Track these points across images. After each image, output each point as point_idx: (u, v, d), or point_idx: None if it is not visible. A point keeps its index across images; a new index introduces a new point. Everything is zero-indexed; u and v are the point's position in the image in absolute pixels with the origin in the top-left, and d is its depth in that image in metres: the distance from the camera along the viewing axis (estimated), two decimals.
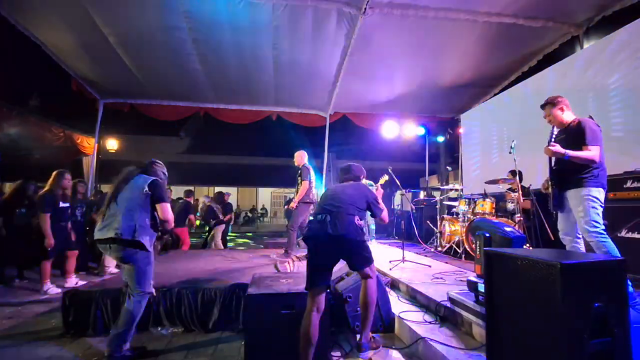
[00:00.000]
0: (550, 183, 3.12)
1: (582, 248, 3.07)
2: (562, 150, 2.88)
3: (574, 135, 2.98)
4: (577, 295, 1.58)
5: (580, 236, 3.05)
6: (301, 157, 5.76)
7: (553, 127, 3.13)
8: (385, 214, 2.98)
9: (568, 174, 2.99)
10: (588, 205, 2.84)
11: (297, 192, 5.58)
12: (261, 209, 26.93)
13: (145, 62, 6.84)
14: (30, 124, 7.59)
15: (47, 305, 4.26)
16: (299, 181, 5.61)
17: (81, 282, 5.13)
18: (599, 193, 2.88)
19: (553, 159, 3.13)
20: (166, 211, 2.91)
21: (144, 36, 5.98)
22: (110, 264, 5.67)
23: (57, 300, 3.84)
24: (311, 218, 2.82)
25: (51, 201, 4.80)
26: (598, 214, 2.84)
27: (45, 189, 4.90)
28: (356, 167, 3.14)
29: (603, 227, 2.84)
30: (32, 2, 5.18)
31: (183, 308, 3.46)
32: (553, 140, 3.02)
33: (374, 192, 3.04)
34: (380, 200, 2.98)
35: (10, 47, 7.58)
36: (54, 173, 5.00)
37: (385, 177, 6.08)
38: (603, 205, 2.88)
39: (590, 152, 2.86)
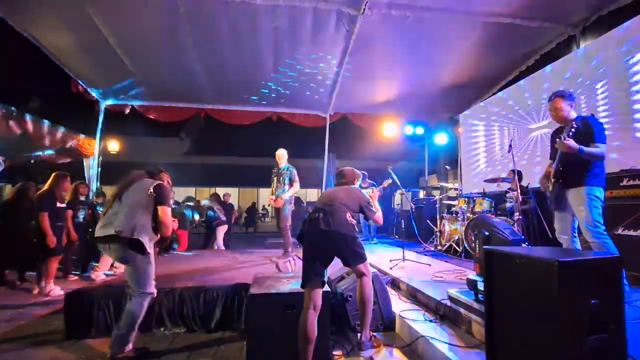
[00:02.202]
0: (553, 181, 3.10)
1: (579, 247, 3.08)
2: (577, 146, 2.84)
3: (580, 131, 2.93)
4: (574, 292, 1.60)
5: (577, 235, 3.06)
6: (286, 156, 5.72)
7: (572, 124, 2.96)
8: (378, 216, 3.04)
9: (569, 172, 3.00)
10: (590, 204, 2.85)
11: (283, 190, 5.51)
12: (262, 210, 26.94)
13: (146, 64, 6.86)
14: (30, 126, 7.59)
15: (49, 307, 4.27)
16: (286, 181, 5.55)
17: (58, 291, 4.81)
18: (600, 192, 2.90)
19: (559, 157, 3.09)
20: (166, 215, 2.93)
21: (145, 37, 6.00)
22: (101, 270, 5.57)
23: (59, 302, 3.86)
24: (306, 217, 2.88)
25: (50, 201, 4.84)
26: (599, 214, 2.85)
27: (44, 188, 4.93)
28: (349, 172, 3.20)
29: (604, 227, 2.85)
30: (31, 4, 5.19)
31: (185, 309, 3.49)
32: (570, 135, 2.89)
33: (370, 194, 3.09)
34: (374, 203, 3.04)
35: (10, 49, 7.61)
36: (54, 174, 5.03)
37: (389, 181, 6.11)
38: (603, 204, 2.90)
39: (601, 150, 2.88)
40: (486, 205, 5.66)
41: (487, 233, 3.17)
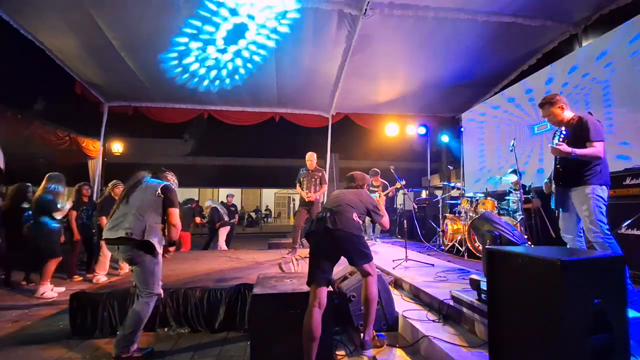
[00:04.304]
0: (552, 182, 3.09)
1: (584, 246, 3.04)
2: (569, 149, 2.84)
3: (575, 132, 2.94)
4: (577, 291, 1.60)
5: (582, 234, 3.02)
6: (314, 159, 5.93)
7: (561, 127, 3.03)
8: (385, 220, 3.07)
9: (570, 172, 2.97)
10: (593, 204, 2.81)
11: (314, 191, 5.79)
12: (265, 210, 27.00)
13: (149, 65, 6.89)
14: (35, 128, 7.66)
15: (55, 307, 4.30)
16: (318, 182, 5.81)
17: (50, 294, 4.76)
18: (603, 191, 2.86)
19: (557, 158, 3.09)
20: (175, 217, 2.97)
21: (147, 39, 6.03)
22: (101, 272, 5.58)
23: (64, 303, 3.89)
24: (313, 217, 2.91)
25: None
26: (603, 213, 2.82)
27: (39, 191, 4.93)
28: (359, 176, 3.24)
29: (608, 226, 2.80)
30: (35, 6, 5.24)
31: (189, 309, 3.50)
32: (560, 139, 2.93)
33: (377, 199, 3.12)
34: (381, 207, 3.07)
35: (14, 52, 7.67)
36: (47, 176, 5.01)
37: (403, 182, 6.14)
38: (606, 203, 2.86)
39: (596, 148, 2.84)
40: (489, 205, 5.66)
41: (497, 233, 3.16)
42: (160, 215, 2.93)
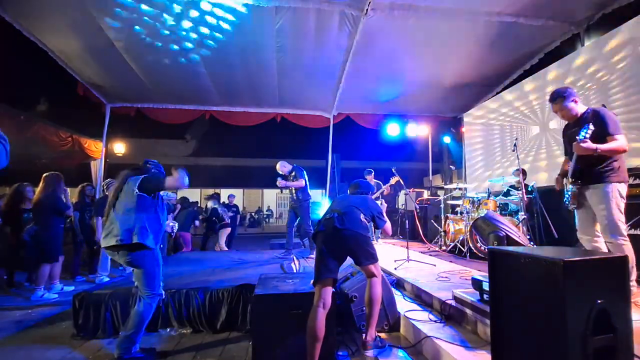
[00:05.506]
0: (570, 180, 2.95)
1: (603, 247, 2.84)
2: (594, 146, 2.68)
3: (595, 127, 2.75)
4: (580, 291, 1.59)
5: (600, 235, 2.88)
6: (285, 165, 6.27)
7: (588, 123, 2.76)
8: (388, 226, 3.11)
9: (588, 169, 2.83)
10: (612, 202, 2.69)
11: (294, 193, 6.13)
12: (267, 210, 27.00)
13: (151, 66, 6.90)
14: (37, 129, 7.69)
15: (57, 307, 4.32)
16: (292, 181, 6.13)
17: (49, 295, 4.81)
18: (622, 188, 2.73)
19: (575, 155, 2.90)
20: (171, 185, 2.94)
21: (149, 40, 6.03)
22: (103, 272, 5.61)
23: (67, 303, 3.90)
24: (321, 217, 2.94)
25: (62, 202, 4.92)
26: (621, 212, 2.70)
27: (39, 192, 4.94)
28: (364, 184, 3.31)
29: (625, 226, 2.69)
30: (37, 8, 5.25)
31: (191, 309, 3.51)
32: (587, 135, 2.71)
33: (380, 204, 3.19)
34: (384, 213, 3.12)
35: (17, 53, 7.70)
36: (45, 176, 4.99)
37: (397, 178, 6.16)
38: (625, 200, 2.73)
39: (619, 142, 2.69)
40: (491, 205, 5.64)
41: (502, 234, 3.15)
42: (148, 213, 2.89)
